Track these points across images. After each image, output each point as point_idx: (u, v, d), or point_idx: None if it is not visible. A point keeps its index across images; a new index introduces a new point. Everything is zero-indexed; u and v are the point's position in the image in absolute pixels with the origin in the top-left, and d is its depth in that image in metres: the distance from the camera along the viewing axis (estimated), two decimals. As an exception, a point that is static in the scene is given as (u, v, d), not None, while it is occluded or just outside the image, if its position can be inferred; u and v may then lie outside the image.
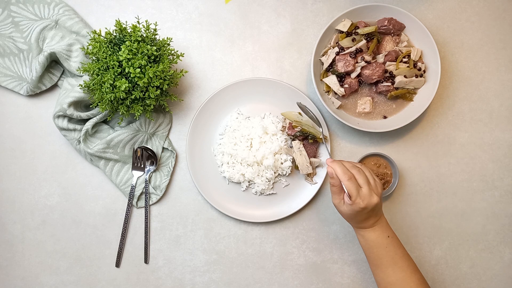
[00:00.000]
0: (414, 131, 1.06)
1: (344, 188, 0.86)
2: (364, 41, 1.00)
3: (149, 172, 1.03)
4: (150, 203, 1.04)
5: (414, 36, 1.02)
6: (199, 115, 1.03)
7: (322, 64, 1.03)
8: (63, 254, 1.05)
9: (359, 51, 1.00)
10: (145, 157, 1.03)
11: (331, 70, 1.02)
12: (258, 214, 1.03)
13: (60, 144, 1.06)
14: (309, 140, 1.02)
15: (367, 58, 1.00)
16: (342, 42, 1.00)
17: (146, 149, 1.03)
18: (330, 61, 1.01)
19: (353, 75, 1.00)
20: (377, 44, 1.01)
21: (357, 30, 1.00)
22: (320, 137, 1.01)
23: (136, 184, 1.03)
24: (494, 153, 1.06)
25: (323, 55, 1.03)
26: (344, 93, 1.01)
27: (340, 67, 1.00)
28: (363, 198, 0.84)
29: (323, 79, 1.02)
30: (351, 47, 1.00)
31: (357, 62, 1.00)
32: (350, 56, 1.00)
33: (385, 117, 1.03)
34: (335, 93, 1.02)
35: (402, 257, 0.88)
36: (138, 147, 1.03)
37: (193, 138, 1.04)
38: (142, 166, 1.03)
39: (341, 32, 1.01)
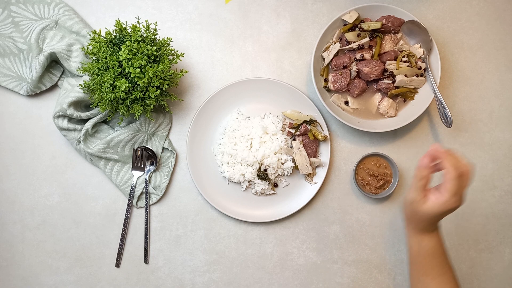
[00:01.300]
0: (414, 131, 1.06)
1: (446, 183, 0.76)
2: (367, 39, 1.00)
3: (149, 172, 1.03)
4: (150, 203, 1.04)
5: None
6: (199, 115, 1.03)
7: (323, 60, 1.03)
8: (63, 254, 1.05)
9: (360, 47, 1.01)
10: (145, 157, 1.03)
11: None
12: (258, 214, 1.03)
13: (60, 144, 1.06)
14: (310, 137, 1.02)
15: (367, 56, 1.00)
16: (348, 35, 1.00)
17: (146, 149, 1.03)
18: (331, 56, 1.01)
19: (353, 74, 1.01)
20: (379, 44, 1.01)
21: (362, 25, 1.00)
22: (322, 135, 1.01)
23: (136, 184, 1.03)
24: (494, 153, 1.06)
25: (324, 51, 1.03)
26: (354, 94, 1.02)
27: (336, 60, 1.01)
28: (462, 199, 0.76)
29: (327, 77, 1.02)
30: (355, 42, 1.00)
31: (356, 58, 1.01)
32: (349, 51, 1.01)
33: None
34: (346, 102, 1.03)
35: (450, 269, 0.85)
36: (138, 147, 1.03)
37: (193, 138, 1.04)
38: (142, 166, 1.03)
39: (345, 24, 1.02)
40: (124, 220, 1.03)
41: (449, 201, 0.76)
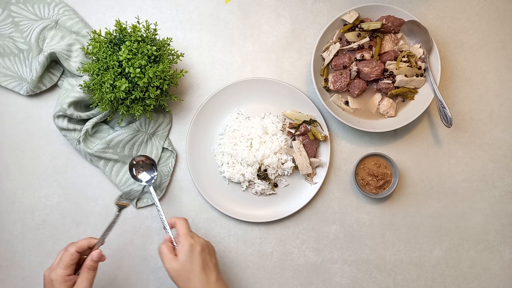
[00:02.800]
0: (414, 131, 1.06)
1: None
2: (367, 39, 1.00)
3: (153, 180, 0.99)
4: (150, 203, 1.04)
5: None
6: (199, 115, 1.03)
7: (323, 60, 1.03)
8: (63, 254, 1.05)
9: (360, 47, 1.01)
10: (146, 167, 0.99)
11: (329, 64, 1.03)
12: (258, 214, 1.03)
13: (60, 144, 1.06)
14: (310, 137, 1.02)
15: (367, 56, 1.00)
16: (348, 35, 1.00)
17: (147, 158, 0.98)
18: (331, 56, 1.01)
19: (353, 73, 1.01)
20: (379, 44, 1.01)
21: (362, 25, 1.00)
22: (322, 135, 1.01)
23: (136, 183, 1.03)
24: (494, 153, 1.06)
25: (324, 51, 1.03)
26: (355, 94, 1.02)
27: (336, 60, 1.01)
28: (191, 236, 0.84)
29: (327, 77, 1.02)
30: (355, 42, 1.00)
31: (356, 59, 1.01)
32: (349, 51, 1.01)
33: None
34: (346, 102, 1.03)
35: None
36: (137, 157, 0.98)
37: (193, 138, 1.04)
38: (141, 175, 0.99)
39: (345, 24, 1.02)
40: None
41: (187, 239, 0.83)
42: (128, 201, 0.93)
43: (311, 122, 1.03)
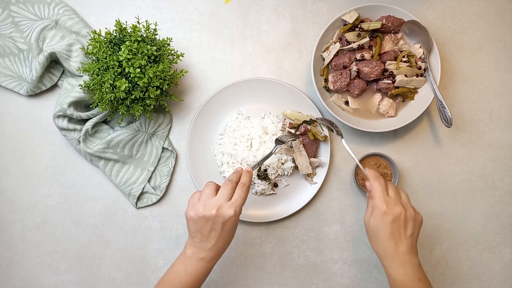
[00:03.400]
0: (414, 131, 1.06)
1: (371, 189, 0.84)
2: (367, 39, 1.00)
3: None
4: (150, 203, 1.04)
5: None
6: (199, 115, 1.03)
7: (323, 60, 1.03)
8: (63, 254, 1.05)
9: (360, 47, 1.01)
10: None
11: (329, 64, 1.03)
12: (258, 214, 1.03)
13: (60, 144, 1.06)
14: (310, 137, 1.02)
15: (367, 56, 1.00)
16: (348, 35, 1.00)
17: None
18: (331, 56, 1.01)
19: (353, 73, 1.01)
20: (379, 44, 1.01)
21: (362, 25, 1.00)
22: (322, 135, 1.01)
23: (136, 183, 1.03)
24: (494, 153, 1.06)
25: (324, 51, 1.03)
26: (355, 94, 1.02)
27: (336, 60, 1.01)
28: (386, 202, 0.80)
29: (327, 77, 1.02)
30: (355, 42, 1.00)
31: (356, 59, 1.01)
32: (349, 51, 1.01)
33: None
34: (346, 102, 1.03)
35: None
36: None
37: (193, 138, 1.04)
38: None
39: (345, 24, 1.02)
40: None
41: (377, 205, 0.81)
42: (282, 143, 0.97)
43: (311, 122, 1.03)
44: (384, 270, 0.83)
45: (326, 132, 1.03)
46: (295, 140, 1.00)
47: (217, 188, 0.84)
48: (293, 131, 1.03)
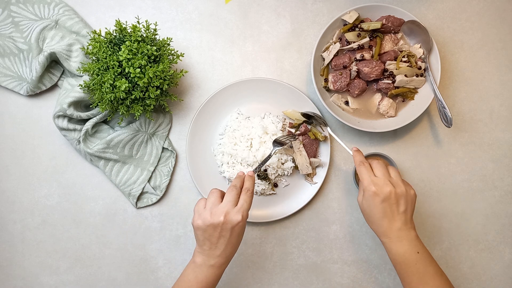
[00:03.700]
0: (414, 131, 1.06)
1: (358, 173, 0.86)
2: (367, 39, 1.00)
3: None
4: (150, 203, 1.04)
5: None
6: (199, 115, 1.03)
7: (323, 60, 1.03)
8: (63, 254, 1.05)
9: (360, 47, 1.01)
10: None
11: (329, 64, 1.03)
12: (258, 214, 1.03)
13: (60, 144, 1.06)
14: (310, 136, 1.02)
15: (367, 56, 1.00)
16: (348, 35, 1.00)
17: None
18: (331, 56, 1.01)
19: (353, 73, 1.01)
20: (379, 44, 1.01)
21: (362, 25, 1.00)
22: (323, 135, 1.01)
23: (136, 183, 1.03)
24: (494, 153, 1.06)
25: (324, 51, 1.03)
26: (355, 94, 1.02)
27: (336, 60, 1.01)
28: (375, 183, 0.82)
29: (327, 77, 1.02)
30: (355, 42, 1.00)
31: (356, 59, 1.01)
32: (349, 51, 1.01)
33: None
34: (346, 102, 1.03)
35: (434, 276, 0.81)
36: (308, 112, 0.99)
37: (193, 138, 1.04)
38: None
39: (345, 24, 1.02)
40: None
41: (366, 187, 0.83)
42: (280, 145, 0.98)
43: (311, 122, 1.03)
44: (383, 246, 0.85)
45: (326, 132, 1.03)
46: (294, 140, 1.00)
47: (222, 195, 0.85)
48: (293, 130, 1.03)
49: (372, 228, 0.86)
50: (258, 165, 0.93)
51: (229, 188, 0.85)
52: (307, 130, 1.02)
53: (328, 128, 0.98)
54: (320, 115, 1.01)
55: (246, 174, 0.88)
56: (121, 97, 0.92)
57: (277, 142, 0.98)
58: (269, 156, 0.95)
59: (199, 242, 0.83)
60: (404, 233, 0.82)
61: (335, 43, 1.02)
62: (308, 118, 1.02)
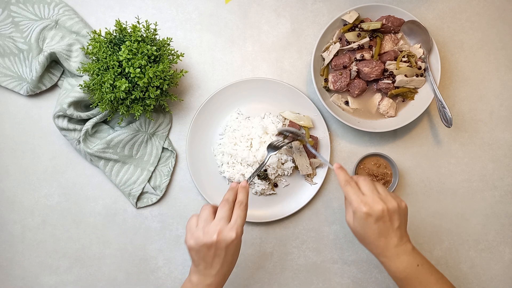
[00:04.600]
0: (414, 131, 1.06)
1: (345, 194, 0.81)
2: (367, 39, 1.00)
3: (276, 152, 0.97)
4: (150, 203, 1.04)
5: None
6: (199, 115, 1.03)
7: (323, 60, 1.03)
8: (63, 254, 1.05)
9: (360, 47, 1.01)
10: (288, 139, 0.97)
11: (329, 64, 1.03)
12: (258, 214, 1.03)
13: (60, 144, 1.06)
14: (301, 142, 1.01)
15: (367, 56, 1.00)
16: (348, 35, 1.00)
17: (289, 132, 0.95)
18: (331, 56, 1.01)
19: (353, 73, 1.01)
20: (379, 44, 1.01)
21: (362, 25, 1.00)
22: (304, 142, 1.00)
23: (136, 183, 1.03)
24: (494, 153, 1.06)
25: (324, 51, 1.03)
26: (355, 94, 1.02)
27: (336, 60, 1.01)
28: (365, 203, 0.77)
29: (327, 77, 1.02)
30: (355, 42, 1.00)
31: (356, 59, 1.01)
32: (349, 51, 1.01)
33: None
34: (346, 102, 1.03)
35: (436, 284, 0.79)
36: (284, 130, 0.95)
37: (193, 138, 1.04)
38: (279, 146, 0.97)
39: (345, 24, 1.02)
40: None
41: (356, 208, 0.78)
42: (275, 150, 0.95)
43: (294, 138, 0.99)
44: (382, 264, 0.82)
45: (326, 132, 1.03)
46: (289, 143, 0.98)
47: (214, 210, 0.81)
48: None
49: (367, 248, 0.82)
50: (252, 174, 0.91)
51: (221, 202, 0.81)
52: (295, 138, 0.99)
53: (308, 144, 0.96)
54: (295, 130, 0.97)
55: (239, 185, 0.84)
56: (121, 97, 0.92)
57: (271, 147, 0.95)
58: (264, 163, 0.93)
59: (194, 262, 0.80)
60: (401, 248, 0.79)
61: (335, 43, 1.02)
62: (286, 135, 0.99)
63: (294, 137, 0.95)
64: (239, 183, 0.85)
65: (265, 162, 0.93)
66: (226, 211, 0.79)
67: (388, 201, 0.78)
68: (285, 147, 1.01)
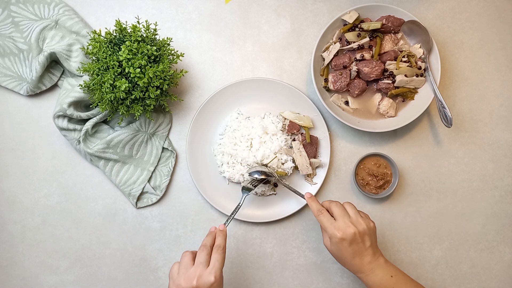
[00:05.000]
0: (414, 131, 1.06)
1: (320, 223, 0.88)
2: (367, 39, 1.00)
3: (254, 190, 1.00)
4: (150, 203, 1.04)
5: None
6: (199, 115, 1.03)
7: (323, 60, 1.03)
8: (63, 254, 1.05)
9: (360, 47, 1.01)
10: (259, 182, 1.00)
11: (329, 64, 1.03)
12: (258, 214, 1.03)
13: (60, 144, 1.06)
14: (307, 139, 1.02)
15: (367, 56, 1.00)
16: (348, 35, 1.00)
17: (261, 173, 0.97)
18: (331, 56, 1.01)
19: (353, 73, 1.01)
20: (379, 44, 1.01)
21: (362, 25, 1.00)
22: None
23: (136, 183, 1.03)
24: (494, 153, 1.06)
25: (324, 51, 1.03)
26: (355, 94, 1.02)
27: (336, 60, 1.01)
28: (338, 229, 0.84)
29: (327, 77, 1.02)
30: (355, 42, 1.00)
31: (356, 59, 1.01)
32: (349, 51, 1.01)
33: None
34: (346, 102, 1.03)
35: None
36: (254, 172, 0.97)
37: (193, 138, 1.04)
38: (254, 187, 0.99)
39: (345, 24, 1.02)
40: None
41: (331, 235, 0.85)
42: (251, 188, 0.98)
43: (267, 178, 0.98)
44: (360, 280, 0.88)
45: (326, 132, 1.03)
46: (262, 181, 0.99)
47: (194, 256, 0.84)
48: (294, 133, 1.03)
49: (345, 267, 0.89)
50: (229, 217, 0.93)
51: (200, 248, 0.84)
52: (268, 175, 0.98)
53: (284, 181, 1.00)
54: (265, 170, 0.97)
55: (217, 230, 0.87)
56: (121, 97, 0.92)
57: (245, 189, 0.97)
58: (239, 206, 0.94)
59: None
60: (375, 264, 0.86)
61: (335, 43, 1.02)
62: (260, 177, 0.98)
63: (266, 176, 0.97)
64: (217, 227, 0.88)
65: (240, 204, 0.95)
66: (204, 256, 0.82)
67: (358, 224, 0.86)
68: (288, 145, 1.01)
